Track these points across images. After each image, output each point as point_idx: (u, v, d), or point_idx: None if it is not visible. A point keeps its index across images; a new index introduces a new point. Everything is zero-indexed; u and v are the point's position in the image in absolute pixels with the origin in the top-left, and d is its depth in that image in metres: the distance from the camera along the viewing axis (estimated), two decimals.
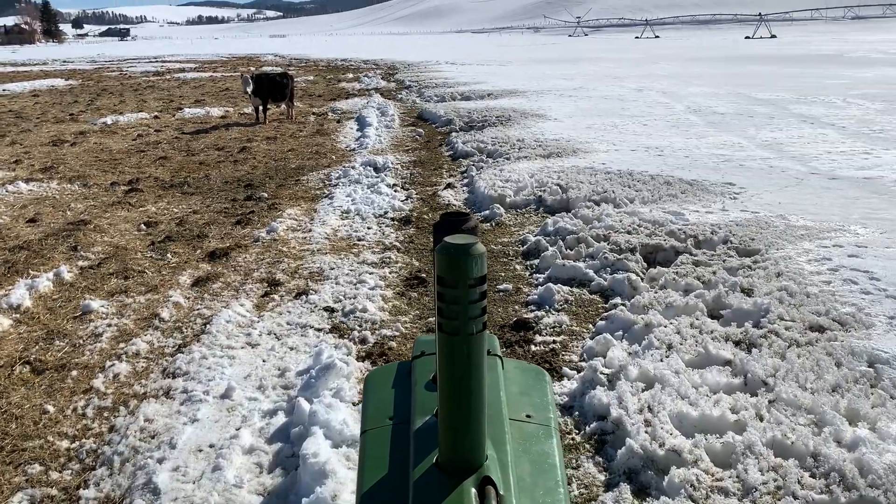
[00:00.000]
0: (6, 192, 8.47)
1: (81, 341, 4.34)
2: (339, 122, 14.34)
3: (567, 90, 18.08)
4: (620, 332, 4.06)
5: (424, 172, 9.27)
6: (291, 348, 4.11)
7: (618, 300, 4.60)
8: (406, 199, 7.67)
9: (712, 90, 17.19)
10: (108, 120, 15.08)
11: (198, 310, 4.77)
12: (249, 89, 13.70)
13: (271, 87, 14.20)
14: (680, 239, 5.54)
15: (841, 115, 11.96)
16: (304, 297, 4.92)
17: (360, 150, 10.93)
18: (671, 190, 7.03)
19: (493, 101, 15.90)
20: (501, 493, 1.04)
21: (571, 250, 5.55)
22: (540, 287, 4.89)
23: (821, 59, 30.81)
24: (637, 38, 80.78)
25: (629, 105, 14.30)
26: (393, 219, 6.91)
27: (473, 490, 1.04)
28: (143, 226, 6.87)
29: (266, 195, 8.05)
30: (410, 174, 9.13)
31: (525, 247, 5.87)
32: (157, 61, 47.04)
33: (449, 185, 8.26)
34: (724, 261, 5.01)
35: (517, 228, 6.50)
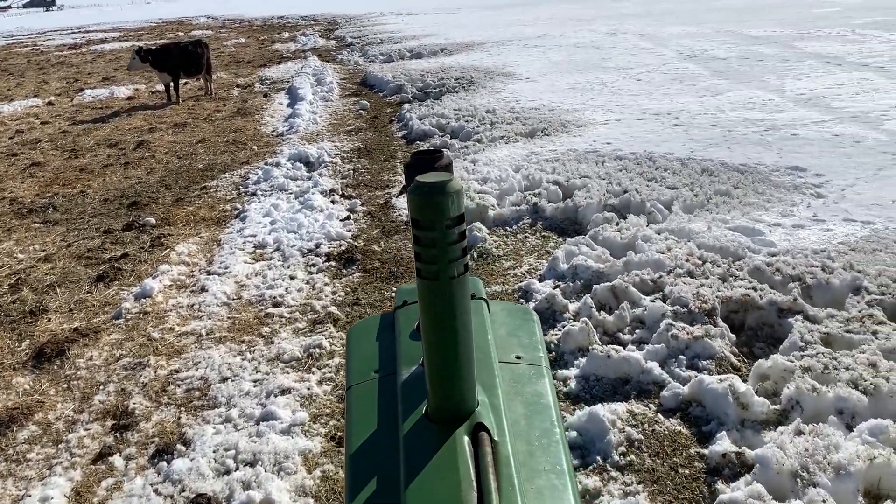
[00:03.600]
0: None
1: None
2: (266, 95, 11.95)
3: (531, 39, 15.83)
4: None
5: (372, 166, 7.07)
6: None
7: (724, 440, 2.57)
8: (348, 218, 5.49)
9: (695, 29, 15.11)
10: None
11: None
12: (134, 67, 11.42)
13: (182, 58, 11.68)
14: (777, 284, 3.52)
15: (866, 52, 10.00)
16: (164, 461, 2.79)
17: (288, 136, 8.65)
18: (718, 184, 4.98)
19: (448, 58, 13.61)
20: (496, 438, 0.99)
21: (609, 315, 3.49)
22: (577, 412, 2.83)
23: None
24: None
25: (609, 54, 12.15)
26: (329, 256, 4.75)
27: (466, 438, 0.98)
28: None
29: (153, 221, 5.80)
30: (354, 170, 6.93)
31: (531, 304, 3.79)
32: (79, 32, 43.09)
33: (406, 189, 6.10)
34: (874, 334, 3.00)
35: (511, 263, 4.41)
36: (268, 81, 13.67)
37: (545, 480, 0.99)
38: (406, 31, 20.52)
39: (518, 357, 1.25)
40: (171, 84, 11.85)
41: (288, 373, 3.34)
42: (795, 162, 5.24)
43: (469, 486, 0.91)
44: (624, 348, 3.24)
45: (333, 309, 3.98)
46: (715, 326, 3.21)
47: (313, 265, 4.64)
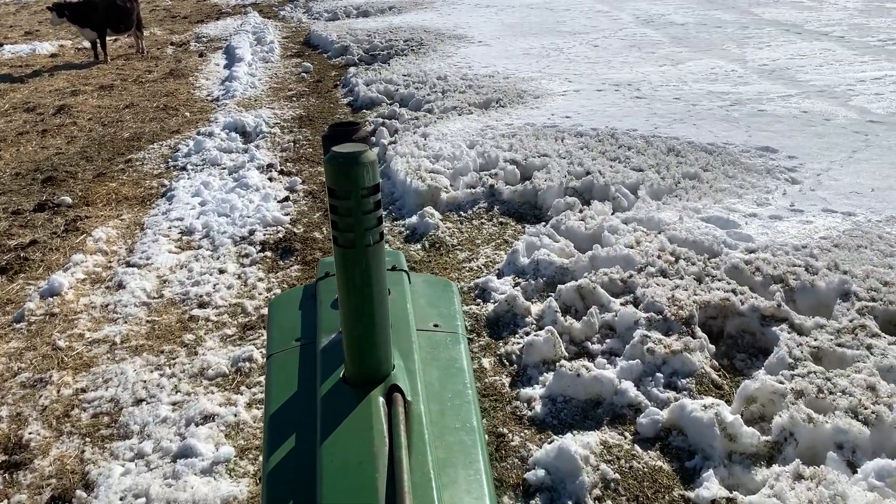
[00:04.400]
0: None
1: None
2: (202, 55, 11.18)
3: None
4: None
5: (315, 137, 6.56)
6: None
7: (712, 482, 2.25)
8: (286, 200, 5.01)
9: None
10: None
11: None
12: (55, 22, 10.63)
13: (109, 13, 10.77)
14: (758, 286, 3.22)
15: (824, 21, 9.79)
16: None
17: (224, 101, 8.02)
18: (686, 165, 4.66)
19: (396, 18, 12.97)
20: (409, 398, 1.03)
21: (576, 320, 3.14)
22: (546, 445, 2.48)
23: None
24: None
25: (563, 17, 11.71)
26: (264, 245, 4.29)
27: (381, 399, 1.02)
28: None
29: (70, 200, 5.22)
30: (294, 142, 6.41)
31: (489, 306, 3.42)
32: None
33: None
34: (868, 349, 2.73)
35: (466, 255, 4.02)
36: (204, 39, 12.84)
37: (455, 437, 1.03)
38: None
39: (436, 325, 1.28)
40: (98, 41, 10.98)
41: (212, 393, 2.91)
42: (766, 142, 4.95)
43: (381, 442, 0.95)
44: (593, 360, 2.92)
45: (266, 311, 3.53)
46: (694, 338, 2.90)
47: (246, 256, 4.17)
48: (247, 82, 8.85)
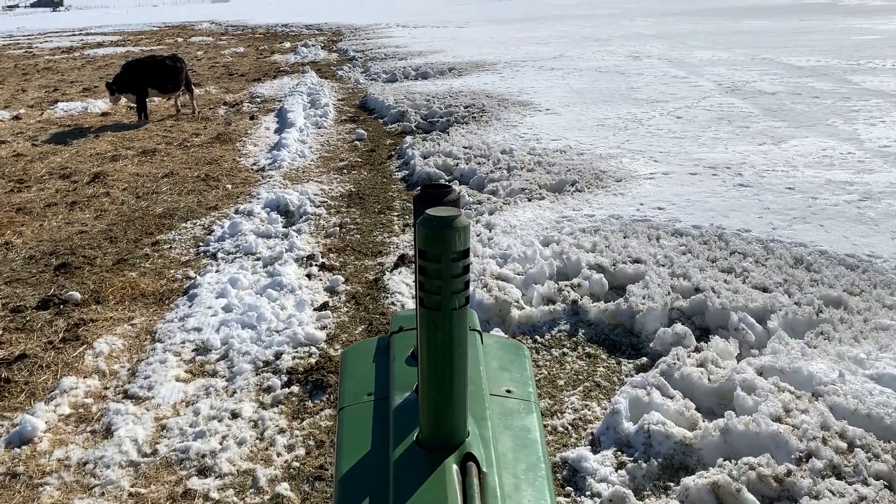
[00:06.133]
0: None
1: None
2: (253, 118, 10.66)
3: (546, 60, 14.58)
4: None
5: (364, 220, 5.78)
6: None
7: None
8: (324, 307, 4.19)
9: (727, 55, 13.85)
10: None
11: None
12: (113, 100, 10.48)
13: (157, 74, 10.40)
14: None
15: None
16: None
17: (269, 172, 7.37)
18: (824, 286, 3.68)
19: (457, 80, 12.35)
20: (484, 469, 0.98)
21: None
22: None
23: (811, 8, 27.73)
24: None
25: (636, 82, 10.88)
26: (291, 376, 3.44)
27: (455, 467, 0.98)
28: None
29: (78, 296, 4.51)
30: (340, 226, 5.64)
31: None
32: (80, 34, 41.97)
33: (403, 261, 4.78)
34: None
35: (546, 404, 3.09)
36: (258, 99, 12.41)
37: None
38: (412, 47, 19.30)
39: (508, 391, 1.23)
40: (139, 105, 10.62)
41: None
42: None
43: None
44: None
45: (284, 488, 2.66)
46: None
47: (268, 390, 3.33)
48: (296, 150, 8.20)
